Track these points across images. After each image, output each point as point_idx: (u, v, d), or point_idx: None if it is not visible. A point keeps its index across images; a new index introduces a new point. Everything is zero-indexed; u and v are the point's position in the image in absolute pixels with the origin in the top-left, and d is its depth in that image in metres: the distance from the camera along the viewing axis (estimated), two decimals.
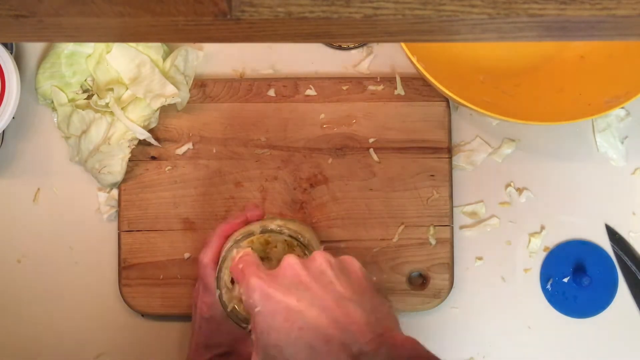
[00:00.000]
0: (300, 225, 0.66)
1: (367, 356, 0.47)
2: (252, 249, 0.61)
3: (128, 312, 0.76)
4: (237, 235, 0.63)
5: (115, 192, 0.77)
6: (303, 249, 0.62)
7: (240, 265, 0.56)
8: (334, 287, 0.51)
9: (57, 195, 0.78)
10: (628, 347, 0.77)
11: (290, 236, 0.62)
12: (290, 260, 0.53)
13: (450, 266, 0.75)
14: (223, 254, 0.62)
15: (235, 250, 0.61)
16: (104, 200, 0.77)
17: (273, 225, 0.63)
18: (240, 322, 0.60)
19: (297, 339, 0.48)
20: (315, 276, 0.52)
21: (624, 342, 0.77)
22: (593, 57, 0.76)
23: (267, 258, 0.62)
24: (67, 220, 0.78)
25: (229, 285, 0.61)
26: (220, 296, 0.61)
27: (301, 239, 0.62)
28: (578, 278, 0.75)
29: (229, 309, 0.60)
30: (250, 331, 0.58)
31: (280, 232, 0.62)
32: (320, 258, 0.53)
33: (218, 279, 0.61)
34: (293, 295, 0.50)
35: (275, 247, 0.63)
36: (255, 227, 0.63)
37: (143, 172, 0.76)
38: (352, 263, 0.56)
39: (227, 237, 0.65)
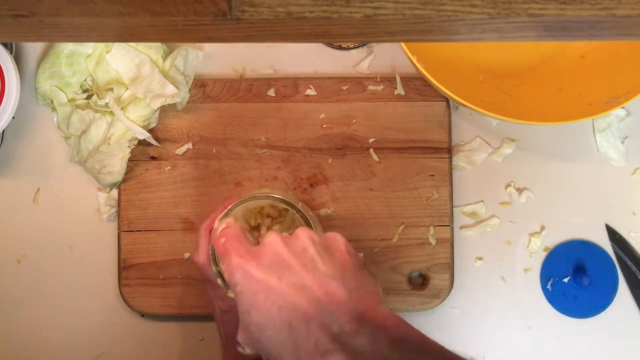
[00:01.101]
0: (287, 193, 0.66)
1: (348, 335, 0.46)
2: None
3: (128, 312, 0.76)
4: (223, 213, 0.63)
5: (115, 192, 0.77)
6: (287, 207, 0.62)
7: (222, 240, 0.55)
8: (316, 266, 0.50)
9: (57, 195, 0.78)
10: (628, 347, 0.77)
11: (272, 197, 0.62)
12: (272, 239, 0.52)
13: (450, 266, 0.75)
14: (210, 247, 0.62)
15: (217, 223, 0.61)
16: (104, 200, 0.77)
17: (271, 193, 0.63)
18: None
19: (277, 318, 0.47)
20: (297, 254, 0.51)
21: (624, 342, 0.77)
22: (593, 57, 0.76)
23: (257, 228, 0.62)
24: (67, 220, 0.78)
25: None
26: (222, 281, 0.61)
27: (280, 197, 0.61)
28: (578, 278, 0.75)
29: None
30: None
31: (255, 197, 0.62)
32: (303, 235, 0.52)
33: (218, 269, 0.61)
34: (273, 274, 0.49)
35: (261, 209, 0.63)
36: (231, 205, 0.63)
37: (143, 172, 0.76)
38: (336, 239, 0.54)
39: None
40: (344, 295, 0.48)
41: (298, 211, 0.62)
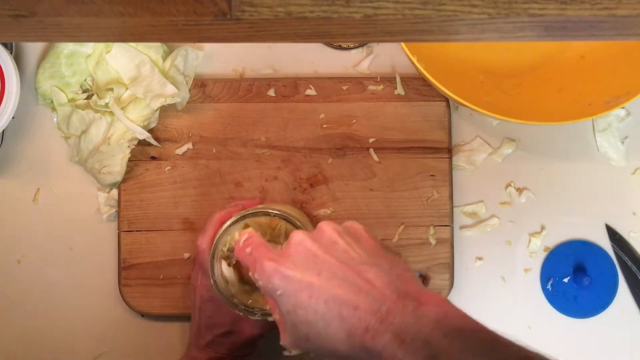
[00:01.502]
0: (297, 211, 0.67)
1: (395, 315, 0.47)
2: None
3: (128, 312, 0.76)
4: (231, 220, 0.64)
5: (115, 192, 0.77)
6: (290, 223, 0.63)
7: (248, 250, 0.55)
8: (349, 255, 0.51)
9: (57, 195, 0.78)
10: (628, 347, 0.77)
11: (282, 217, 0.63)
12: (299, 237, 0.52)
13: (450, 266, 0.75)
14: (216, 239, 0.63)
15: (228, 237, 0.62)
16: (104, 200, 0.77)
17: (267, 208, 0.64)
18: (236, 306, 0.62)
19: (326, 312, 0.48)
20: (328, 247, 0.51)
21: (624, 342, 0.77)
22: (593, 57, 0.76)
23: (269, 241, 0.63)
24: (67, 220, 0.78)
25: (224, 271, 0.63)
26: (215, 282, 0.62)
27: (293, 220, 0.63)
28: (578, 278, 0.75)
29: (230, 297, 0.62)
30: (250, 314, 0.60)
31: (269, 213, 0.63)
32: (328, 228, 0.53)
33: (212, 265, 0.62)
34: (311, 271, 0.50)
35: (273, 229, 0.64)
36: (249, 210, 0.64)
37: (143, 172, 0.76)
38: (356, 227, 0.55)
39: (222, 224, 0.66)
40: (384, 278, 0.49)
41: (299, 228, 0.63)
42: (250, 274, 0.54)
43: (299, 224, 0.63)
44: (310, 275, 0.50)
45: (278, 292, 0.50)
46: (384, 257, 0.52)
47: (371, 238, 0.54)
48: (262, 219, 0.64)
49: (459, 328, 0.48)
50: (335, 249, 0.51)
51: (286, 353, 0.53)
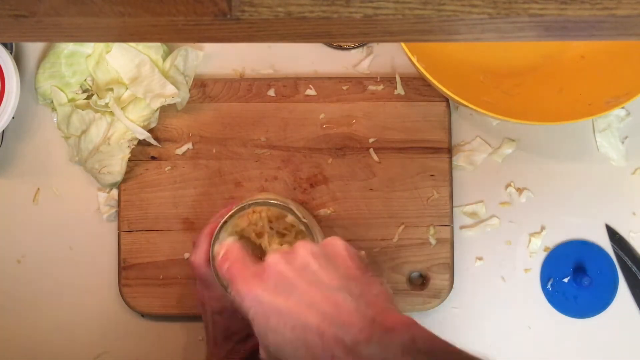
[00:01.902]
0: (282, 197, 0.66)
1: (361, 345, 0.46)
2: (240, 234, 0.62)
3: (128, 312, 0.76)
4: (217, 229, 0.63)
5: (115, 192, 0.77)
6: (289, 212, 0.62)
7: (226, 266, 0.55)
8: (319, 279, 0.51)
9: (57, 195, 0.78)
10: (628, 347, 0.77)
11: (263, 204, 0.62)
12: (273, 259, 0.52)
13: (450, 266, 0.75)
14: (211, 250, 0.62)
15: (217, 245, 0.61)
16: (104, 200, 0.77)
17: (247, 202, 0.63)
18: None
19: (292, 338, 0.48)
20: (299, 271, 0.51)
21: (624, 342, 0.77)
22: (593, 57, 0.76)
23: (259, 246, 0.63)
24: (67, 220, 0.78)
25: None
26: (225, 287, 0.61)
27: (279, 203, 0.62)
28: (578, 278, 0.75)
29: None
30: None
31: (246, 207, 0.62)
32: (302, 250, 0.53)
33: (215, 272, 0.61)
34: (280, 296, 0.50)
35: (256, 224, 0.63)
36: (232, 211, 0.63)
37: (143, 172, 0.76)
38: (336, 244, 0.54)
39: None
40: (351, 304, 0.49)
41: (295, 215, 0.63)
42: (229, 290, 0.54)
43: (279, 202, 0.62)
44: (279, 299, 0.49)
45: (250, 313, 0.51)
46: (358, 280, 0.51)
47: (350, 259, 0.53)
48: (241, 221, 0.63)
49: (427, 351, 0.47)
50: (307, 273, 0.51)
51: None
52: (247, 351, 0.67)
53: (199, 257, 0.65)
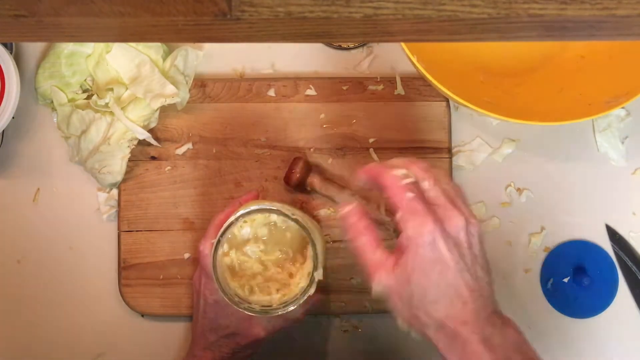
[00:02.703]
0: (294, 209, 0.67)
1: (487, 324, 0.52)
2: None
3: (128, 312, 0.76)
4: (230, 220, 0.63)
5: (115, 192, 0.77)
6: (293, 220, 0.63)
7: (410, 195, 0.56)
8: (477, 261, 0.55)
9: (57, 195, 0.78)
10: (628, 347, 0.77)
11: (280, 213, 0.63)
12: (460, 223, 0.55)
13: None
14: (217, 238, 0.63)
15: (229, 236, 0.63)
16: (104, 200, 0.77)
17: (265, 205, 0.63)
18: (240, 304, 0.62)
19: (444, 291, 0.53)
20: (470, 245, 0.55)
21: (624, 342, 0.77)
22: (593, 57, 0.76)
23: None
24: (67, 220, 0.78)
25: (227, 273, 0.63)
26: (218, 283, 0.62)
27: (290, 216, 0.62)
28: (578, 278, 0.75)
29: (230, 296, 0.62)
30: (252, 311, 0.62)
31: (266, 210, 0.63)
32: (473, 229, 0.56)
33: (214, 265, 0.62)
34: (454, 255, 0.53)
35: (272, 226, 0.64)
36: (247, 208, 0.63)
37: (143, 172, 0.76)
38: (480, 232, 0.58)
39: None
40: (490, 292, 0.55)
41: (299, 224, 0.63)
42: (399, 213, 0.55)
43: (299, 219, 0.63)
44: (451, 258, 0.53)
45: (419, 248, 0.53)
46: (489, 271, 0.57)
47: (483, 249, 0.57)
48: (260, 217, 0.64)
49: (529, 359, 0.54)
50: (472, 250, 0.55)
51: (374, 291, 0.56)
52: (230, 348, 0.68)
53: (207, 246, 0.67)
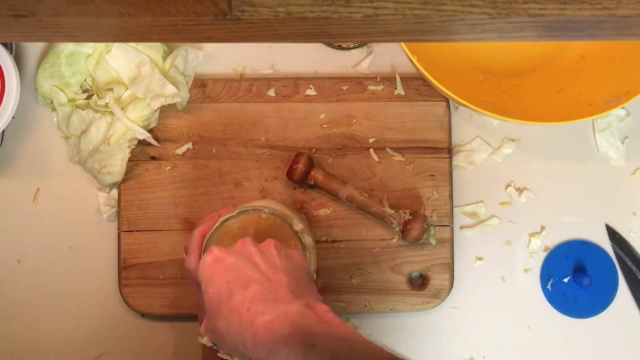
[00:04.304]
0: (279, 205, 0.67)
1: (284, 304, 0.53)
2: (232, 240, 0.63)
3: (128, 312, 0.76)
4: (211, 231, 0.64)
5: (115, 192, 0.77)
6: (283, 222, 0.64)
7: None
8: (274, 261, 0.58)
9: (57, 195, 0.78)
10: (628, 347, 0.77)
11: (258, 211, 0.64)
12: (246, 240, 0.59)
13: (450, 266, 0.75)
14: (202, 250, 0.63)
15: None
16: (104, 200, 0.77)
17: (242, 208, 0.64)
18: None
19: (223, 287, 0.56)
20: (263, 252, 0.58)
21: (624, 342, 0.77)
22: (593, 57, 0.76)
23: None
24: (67, 220, 0.78)
25: None
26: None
27: (267, 211, 0.63)
28: (578, 278, 0.75)
29: None
30: None
31: (246, 211, 0.64)
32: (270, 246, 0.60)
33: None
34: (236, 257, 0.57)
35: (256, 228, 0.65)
36: (226, 216, 0.64)
37: (143, 172, 0.76)
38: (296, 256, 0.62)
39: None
40: (289, 283, 0.56)
41: (286, 222, 0.64)
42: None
43: (272, 209, 0.64)
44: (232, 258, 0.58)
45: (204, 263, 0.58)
46: (300, 278, 0.59)
47: (304, 269, 0.61)
48: (237, 223, 0.64)
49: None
50: (271, 258, 0.59)
51: (200, 340, 0.59)
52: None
53: (192, 262, 0.65)
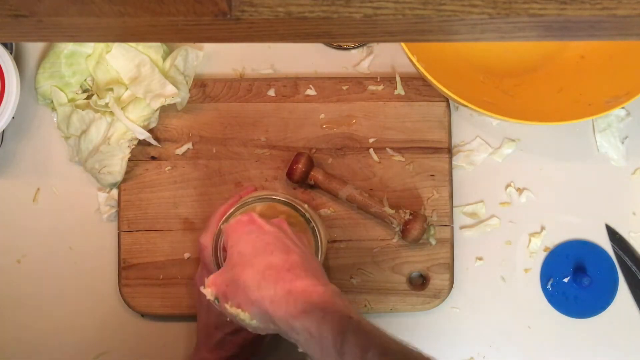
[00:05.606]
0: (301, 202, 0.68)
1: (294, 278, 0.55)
2: None
3: (128, 312, 0.76)
4: (230, 211, 0.65)
5: (115, 192, 0.77)
6: (300, 213, 0.65)
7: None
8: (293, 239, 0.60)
9: (57, 195, 0.78)
10: (628, 347, 0.77)
11: (281, 200, 0.65)
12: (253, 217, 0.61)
13: (450, 266, 0.75)
14: (217, 231, 0.64)
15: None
16: (104, 200, 0.77)
17: (263, 195, 0.66)
18: None
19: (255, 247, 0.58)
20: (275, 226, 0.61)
21: (624, 342, 0.77)
22: (593, 57, 0.76)
23: None
24: (67, 220, 0.78)
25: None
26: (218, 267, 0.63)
27: (292, 203, 0.64)
28: (578, 278, 0.75)
29: None
30: None
31: (271, 198, 0.65)
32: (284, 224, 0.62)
33: (215, 257, 0.63)
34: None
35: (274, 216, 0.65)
36: (247, 199, 0.66)
37: (143, 172, 0.76)
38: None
39: None
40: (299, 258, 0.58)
41: (302, 214, 0.65)
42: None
43: (298, 206, 0.65)
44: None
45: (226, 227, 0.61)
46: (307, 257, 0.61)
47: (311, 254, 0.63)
48: (259, 206, 0.65)
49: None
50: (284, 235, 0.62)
51: (202, 289, 0.59)
52: (237, 344, 0.68)
53: (207, 238, 0.67)
